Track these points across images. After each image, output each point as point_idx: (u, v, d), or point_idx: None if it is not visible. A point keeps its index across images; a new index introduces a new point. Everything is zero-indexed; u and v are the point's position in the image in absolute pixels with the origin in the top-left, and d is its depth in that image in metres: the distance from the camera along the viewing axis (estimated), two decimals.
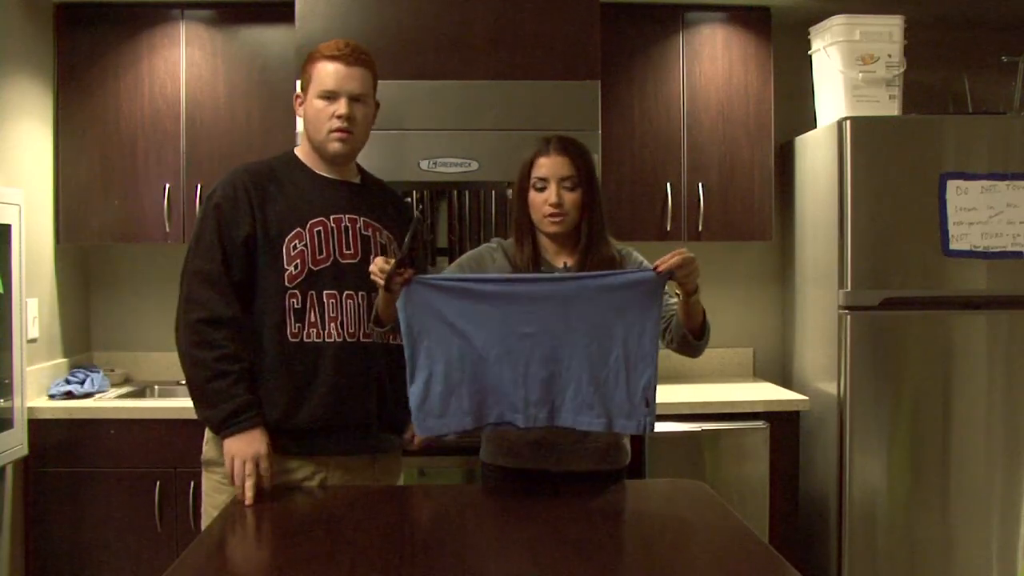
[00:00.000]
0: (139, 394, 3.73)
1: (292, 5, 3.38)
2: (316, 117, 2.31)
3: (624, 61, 3.74)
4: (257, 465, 2.18)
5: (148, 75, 3.66)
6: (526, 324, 2.12)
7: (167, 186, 3.64)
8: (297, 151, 2.42)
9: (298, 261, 2.27)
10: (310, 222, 2.30)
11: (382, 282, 2.08)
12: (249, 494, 2.15)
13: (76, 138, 3.66)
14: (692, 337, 2.29)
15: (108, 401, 3.46)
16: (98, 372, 3.67)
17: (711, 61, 3.78)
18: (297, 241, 2.28)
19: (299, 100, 2.38)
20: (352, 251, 2.32)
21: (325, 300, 2.28)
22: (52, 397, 3.46)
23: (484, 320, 2.11)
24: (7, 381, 3.16)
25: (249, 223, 2.27)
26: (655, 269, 2.11)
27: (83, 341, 3.94)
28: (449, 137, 3.38)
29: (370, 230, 2.36)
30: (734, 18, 3.79)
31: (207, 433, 2.35)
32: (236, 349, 2.24)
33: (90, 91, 3.65)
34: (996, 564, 3.48)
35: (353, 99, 2.30)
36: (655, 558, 1.85)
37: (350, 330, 2.30)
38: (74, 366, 3.74)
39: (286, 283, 2.26)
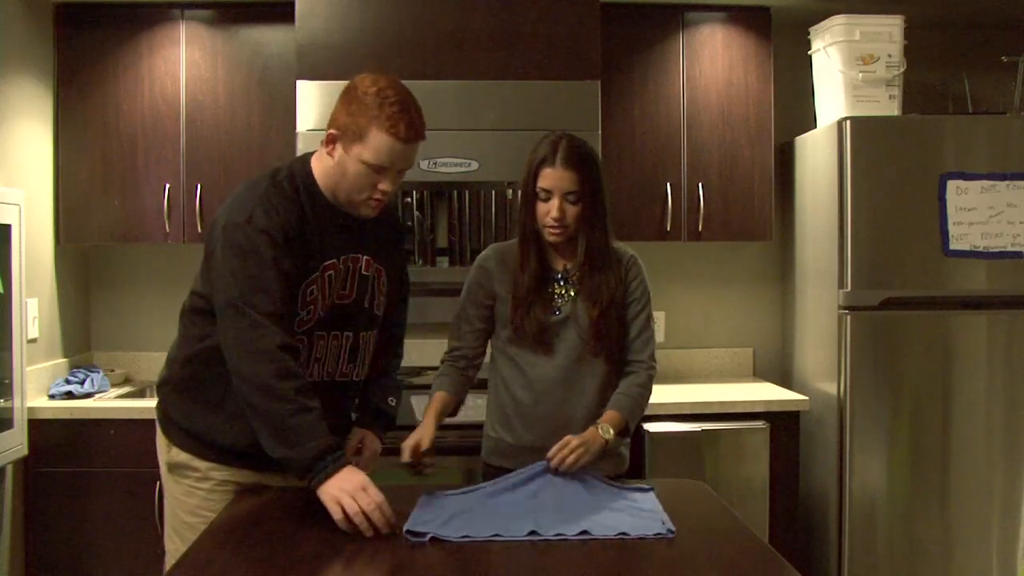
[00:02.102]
0: (139, 394, 3.72)
1: (292, 5, 3.38)
2: (355, 180, 2.13)
3: (624, 61, 3.74)
4: (367, 492, 1.95)
5: (148, 75, 3.66)
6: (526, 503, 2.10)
7: (167, 186, 3.64)
8: (316, 174, 2.20)
9: (311, 307, 2.17)
10: (324, 264, 2.18)
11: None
12: (383, 523, 1.92)
13: (76, 138, 3.66)
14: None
15: (108, 401, 3.46)
16: (98, 372, 3.67)
17: (711, 61, 3.78)
18: (314, 287, 2.17)
19: (332, 139, 2.13)
20: (347, 291, 2.24)
21: (316, 341, 2.20)
22: (52, 397, 3.46)
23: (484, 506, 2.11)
24: (7, 381, 3.16)
25: (291, 257, 2.11)
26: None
27: (83, 341, 3.94)
28: (449, 137, 3.38)
29: (370, 270, 2.28)
30: (734, 18, 3.78)
31: (163, 436, 2.28)
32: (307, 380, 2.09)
33: (90, 91, 3.65)
34: (996, 564, 3.48)
35: (399, 170, 2.17)
36: (655, 558, 1.85)
37: (328, 368, 2.23)
38: (74, 366, 3.74)
39: (296, 327, 2.15)
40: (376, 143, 2.08)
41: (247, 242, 2.07)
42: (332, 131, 2.14)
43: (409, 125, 2.10)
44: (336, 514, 1.92)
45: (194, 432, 2.24)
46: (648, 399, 2.43)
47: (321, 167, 2.19)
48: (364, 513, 1.90)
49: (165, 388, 2.31)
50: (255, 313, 2.03)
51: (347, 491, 1.92)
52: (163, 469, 2.31)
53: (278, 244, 2.07)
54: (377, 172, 2.11)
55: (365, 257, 2.25)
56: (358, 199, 2.16)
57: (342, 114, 2.12)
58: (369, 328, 2.30)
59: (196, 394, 2.24)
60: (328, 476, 1.95)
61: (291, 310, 2.11)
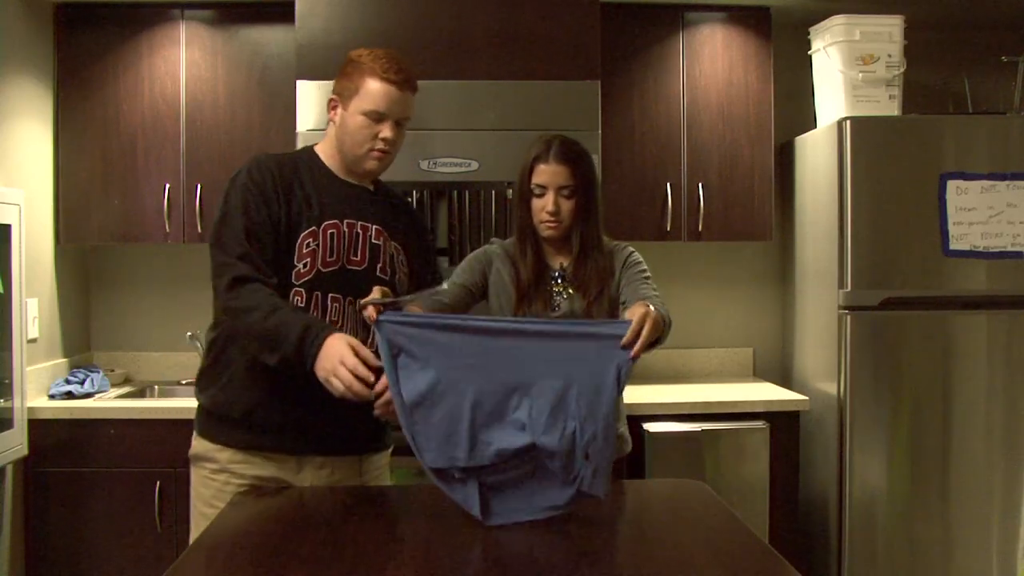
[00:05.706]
0: (139, 394, 3.73)
1: (292, 5, 3.38)
2: (357, 133, 2.27)
3: (624, 61, 3.74)
4: (354, 355, 1.99)
5: (148, 75, 3.66)
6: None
7: (167, 186, 3.64)
8: (318, 150, 2.38)
9: (308, 260, 2.25)
10: (324, 223, 2.28)
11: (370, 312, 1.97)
12: (358, 389, 1.98)
13: (76, 138, 3.66)
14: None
15: (108, 401, 3.46)
16: (98, 372, 3.67)
17: (711, 61, 3.78)
18: (311, 240, 2.26)
19: (334, 104, 2.32)
20: (359, 258, 2.31)
21: (330, 303, 2.26)
22: (52, 397, 3.46)
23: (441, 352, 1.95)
24: (7, 381, 3.16)
25: (276, 206, 2.24)
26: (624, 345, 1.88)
27: (83, 341, 3.94)
28: (449, 137, 3.38)
29: (381, 239, 2.35)
30: (734, 18, 3.79)
31: (195, 430, 2.35)
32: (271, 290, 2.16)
33: (90, 91, 3.65)
34: (996, 564, 3.48)
35: (397, 123, 2.29)
36: (655, 558, 1.84)
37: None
38: (74, 366, 3.74)
39: (293, 280, 2.25)
40: (370, 90, 2.24)
41: (227, 194, 2.26)
42: (332, 97, 2.32)
43: (399, 70, 2.25)
44: (337, 388, 1.99)
45: (215, 412, 2.30)
46: (669, 323, 2.24)
47: (325, 141, 2.37)
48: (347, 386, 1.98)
49: (198, 386, 2.37)
50: (215, 256, 2.20)
51: (328, 370, 2.00)
52: (191, 462, 2.37)
53: (253, 194, 2.22)
54: (376, 121, 2.26)
55: (374, 227, 2.33)
56: (361, 152, 2.29)
57: (339, 81, 2.31)
58: None
59: (216, 375, 2.31)
60: (315, 356, 2.03)
61: (267, 254, 2.21)
